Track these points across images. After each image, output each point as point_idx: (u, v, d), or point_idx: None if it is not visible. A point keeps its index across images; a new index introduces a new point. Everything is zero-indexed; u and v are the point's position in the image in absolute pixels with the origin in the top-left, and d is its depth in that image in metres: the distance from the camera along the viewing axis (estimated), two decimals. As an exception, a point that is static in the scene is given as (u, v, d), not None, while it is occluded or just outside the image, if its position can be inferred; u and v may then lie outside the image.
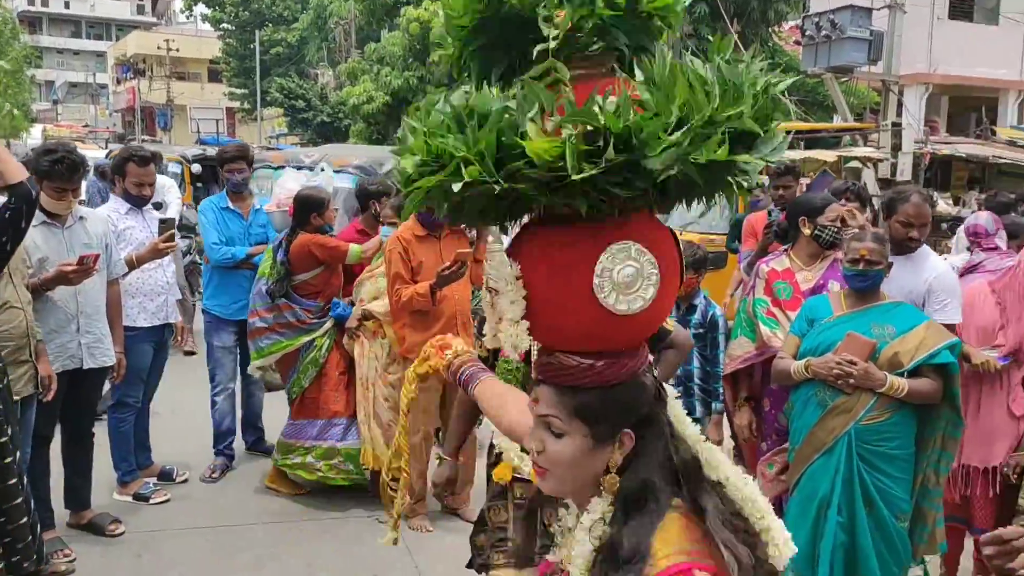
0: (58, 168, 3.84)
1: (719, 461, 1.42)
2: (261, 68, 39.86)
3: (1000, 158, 15.83)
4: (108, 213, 4.58)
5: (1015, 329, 3.71)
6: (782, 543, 1.43)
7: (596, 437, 1.34)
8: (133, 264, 4.44)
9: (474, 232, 4.80)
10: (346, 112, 28.24)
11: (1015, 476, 3.68)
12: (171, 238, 4.49)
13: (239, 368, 5.37)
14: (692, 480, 1.35)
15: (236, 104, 45.84)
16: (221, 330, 5.22)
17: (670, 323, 3.27)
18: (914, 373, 3.32)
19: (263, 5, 41.96)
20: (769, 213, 4.95)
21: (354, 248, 4.88)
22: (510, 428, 1.74)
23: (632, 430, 1.35)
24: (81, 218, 4.12)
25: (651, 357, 1.44)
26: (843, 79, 17.83)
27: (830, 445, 3.39)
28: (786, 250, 4.11)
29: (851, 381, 3.32)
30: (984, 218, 4.38)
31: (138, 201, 4.69)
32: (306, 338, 4.83)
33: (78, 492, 4.36)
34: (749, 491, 1.42)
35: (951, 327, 3.62)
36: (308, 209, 4.80)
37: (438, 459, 3.00)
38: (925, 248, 3.86)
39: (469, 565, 3.00)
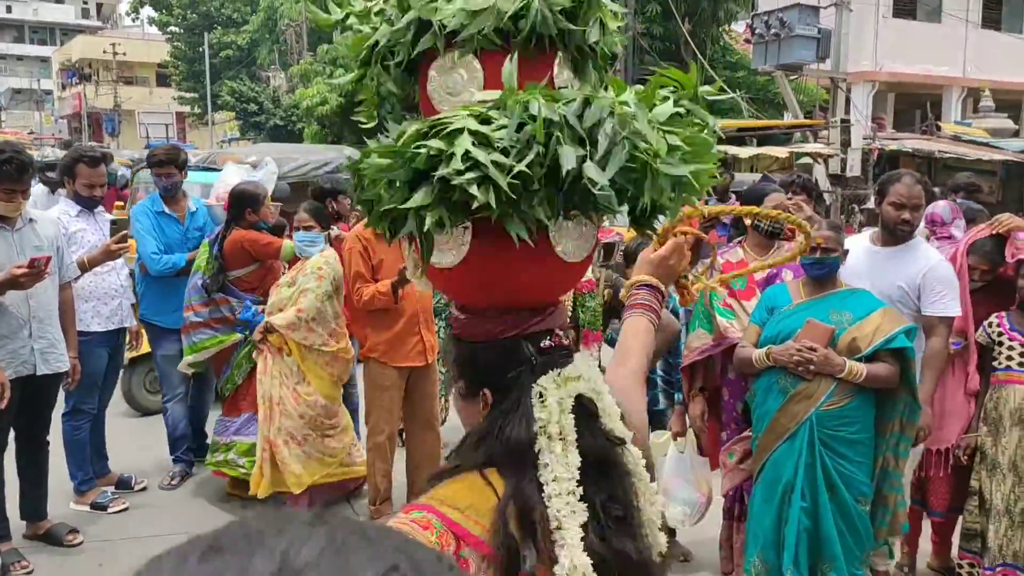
0: (6, 169, 3.75)
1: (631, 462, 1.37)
2: (211, 71, 39.29)
3: (945, 153, 16.22)
4: (58, 215, 4.48)
5: (962, 316, 3.80)
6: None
7: (464, 390, 1.42)
8: (85, 267, 4.35)
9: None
10: (299, 115, 27.98)
11: (966, 458, 3.77)
12: (124, 239, 4.39)
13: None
14: (515, 461, 1.30)
15: (186, 108, 45.13)
16: (163, 339, 5.09)
17: None
18: (872, 358, 3.39)
19: (212, 8, 41.36)
20: (705, 203, 5.01)
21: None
22: None
23: (491, 392, 1.36)
24: (31, 220, 4.02)
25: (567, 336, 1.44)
26: (793, 77, 18.13)
27: (792, 431, 3.45)
28: (739, 241, 4.16)
29: (811, 367, 3.37)
30: (941, 207, 4.47)
31: (89, 203, 4.60)
32: (240, 335, 4.76)
33: (34, 502, 4.26)
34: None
35: (949, 320, 3.68)
36: (243, 204, 4.75)
37: None
38: (918, 239, 3.87)
39: None
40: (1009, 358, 3.68)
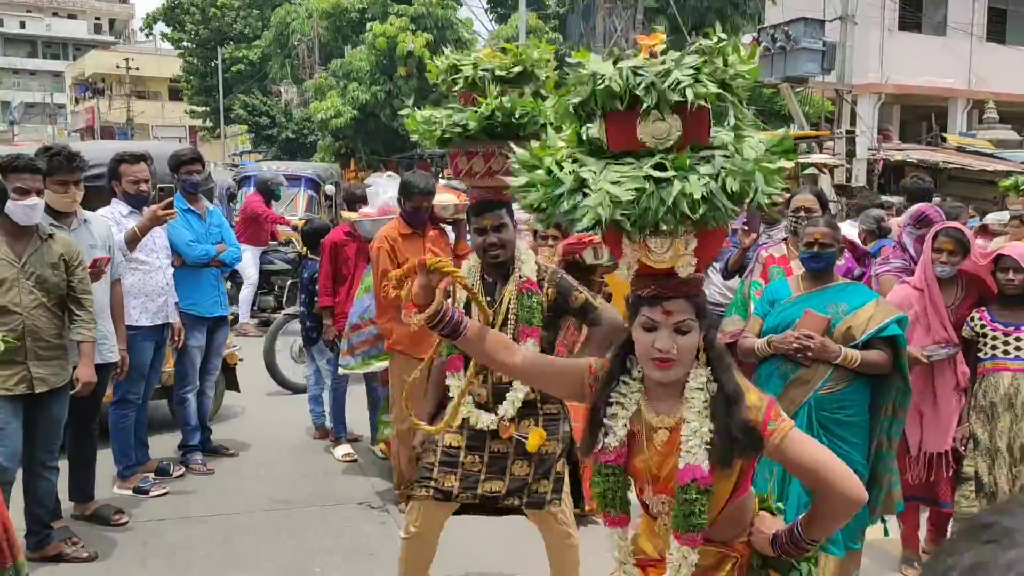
0: (56, 160, 4.05)
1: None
2: (223, 86, 39.79)
3: (949, 163, 16.44)
4: (110, 215, 4.75)
5: (938, 321, 4.03)
6: None
7: (702, 327, 2.00)
8: (136, 235, 4.60)
9: (450, 230, 5.06)
10: (311, 128, 28.37)
11: (963, 447, 3.99)
12: (171, 205, 4.60)
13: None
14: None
15: (198, 122, 45.66)
16: (195, 329, 5.36)
17: (599, 300, 3.51)
18: (866, 346, 3.66)
19: (223, 23, 41.92)
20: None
21: None
22: (527, 366, 2.23)
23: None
24: (85, 221, 4.32)
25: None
26: (798, 89, 18.43)
27: (792, 414, 3.71)
28: (786, 239, 4.48)
29: (809, 354, 3.65)
30: (930, 207, 4.73)
31: (138, 201, 4.85)
32: None
33: (83, 484, 4.55)
34: None
35: None
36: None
37: (417, 425, 3.36)
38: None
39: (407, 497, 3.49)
40: (994, 348, 3.92)
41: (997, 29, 25.13)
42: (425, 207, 4.69)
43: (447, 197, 5.04)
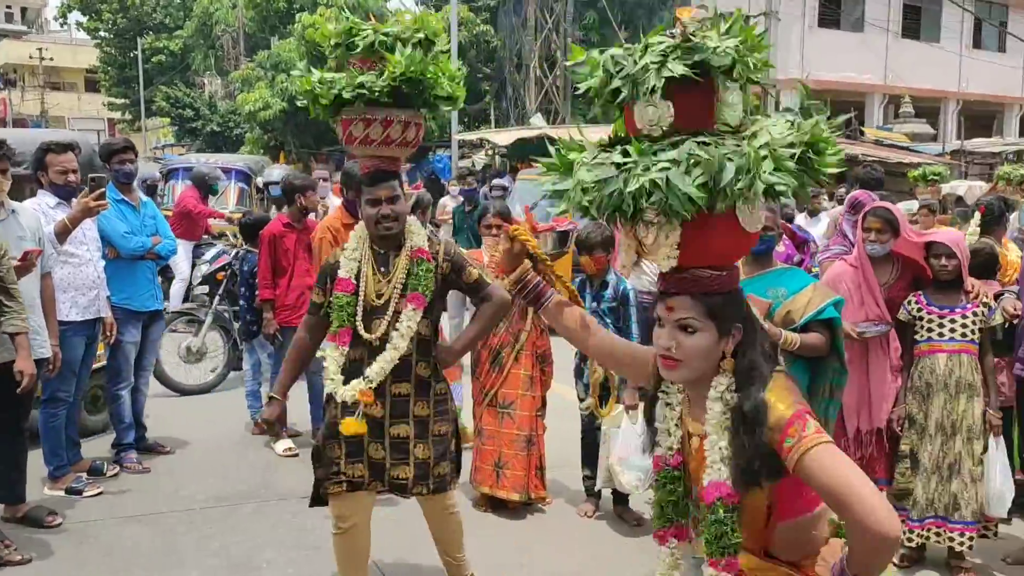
0: None
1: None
2: (143, 77, 38.68)
3: (868, 156, 16.99)
4: (37, 206, 4.57)
5: (871, 298, 4.17)
6: None
7: (720, 331, 1.87)
8: (67, 227, 4.42)
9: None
10: (237, 120, 27.79)
11: (899, 427, 4.13)
12: (102, 196, 4.43)
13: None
14: (776, 357, 1.92)
15: (117, 114, 44.28)
16: (129, 324, 5.21)
17: (489, 277, 3.54)
18: (804, 329, 3.77)
19: (143, 12, 40.74)
20: None
21: None
22: (602, 346, 2.26)
23: (740, 324, 1.88)
24: (13, 211, 4.15)
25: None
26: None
27: (735, 396, 3.80)
28: None
29: (751, 337, 3.74)
30: (862, 193, 4.90)
31: (65, 192, 4.68)
32: None
33: (13, 485, 4.36)
34: None
35: None
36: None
37: (268, 398, 3.47)
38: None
39: (314, 500, 3.50)
40: (930, 330, 4.07)
41: (912, 26, 26.11)
42: None
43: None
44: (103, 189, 4.50)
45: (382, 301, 3.25)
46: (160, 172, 12.23)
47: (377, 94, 3.15)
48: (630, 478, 4.35)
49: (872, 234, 4.13)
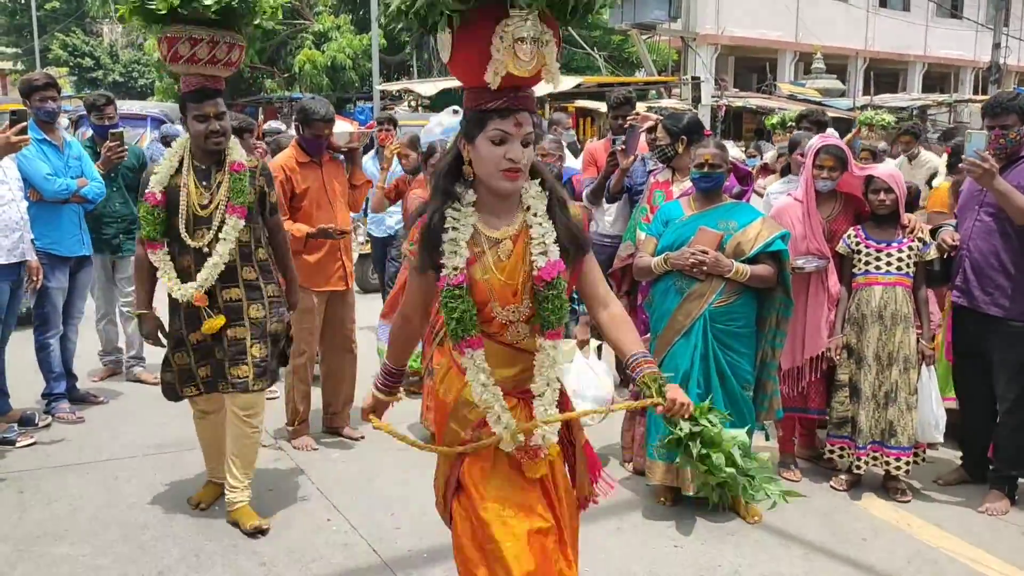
0: None
1: None
2: (37, 25, 36.50)
3: (783, 110, 17.43)
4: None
5: (812, 232, 4.30)
6: None
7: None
8: None
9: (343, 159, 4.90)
10: (142, 70, 26.61)
11: (837, 356, 4.28)
12: (24, 131, 4.08)
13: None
14: None
15: (8, 65, 41.75)
16: (56, 269, 5.01)
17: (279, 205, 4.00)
18: (753, 261, 3.88)
19: (34, -44, 38.30)
20: (613, 142, 5.34)
21: None
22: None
23: None
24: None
25: None
26: (646, 36, 18.94)
27: (688, 327, 3.90)
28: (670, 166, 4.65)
29: (704, 268, 3.83)
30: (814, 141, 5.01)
31: None
32: None
33: (-59, 436, 4.17)
34: None
35: None
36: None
37: (136, 315, 3.87)
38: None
39: (168, 395, 3.90)
40: (867, 263, 4.23)
41: (822, -16, 26.63)
42: (326, 134, 4.54)
43: (343, 125, 4.92)
44: (25, 124, 4.22)
45: (207, 213, 3.54)
46: (69, 119, 11.60)
47: (212, 9, 3.34)
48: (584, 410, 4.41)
49: (824, 171, 4.27)
